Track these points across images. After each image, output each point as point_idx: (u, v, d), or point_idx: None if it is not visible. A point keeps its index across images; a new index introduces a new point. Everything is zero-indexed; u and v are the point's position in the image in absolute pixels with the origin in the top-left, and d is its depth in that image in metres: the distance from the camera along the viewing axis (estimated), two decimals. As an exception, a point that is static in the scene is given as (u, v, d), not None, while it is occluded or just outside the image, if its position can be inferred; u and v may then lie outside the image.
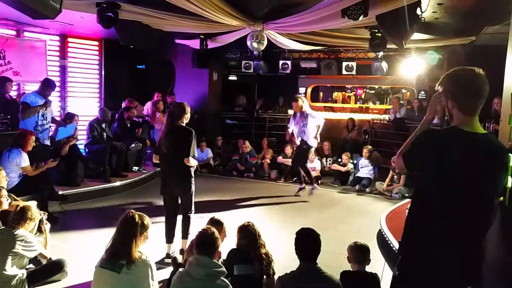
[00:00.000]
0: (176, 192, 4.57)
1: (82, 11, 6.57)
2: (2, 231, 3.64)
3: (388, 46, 7.49)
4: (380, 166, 8.71)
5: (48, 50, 8.72)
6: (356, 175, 8.68)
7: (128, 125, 8.57)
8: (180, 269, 2.92)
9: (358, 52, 10.33)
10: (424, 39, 7.74)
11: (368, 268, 3.30)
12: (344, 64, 10.21)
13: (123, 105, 9.05)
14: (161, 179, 4.70)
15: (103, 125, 7.90)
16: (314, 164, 8.94)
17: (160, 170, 4.89)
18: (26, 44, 8.36)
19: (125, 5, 6.31)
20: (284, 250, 4.15)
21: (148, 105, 9.72)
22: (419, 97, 11.31)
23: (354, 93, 16.22)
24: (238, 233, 3.56)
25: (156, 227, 3.18)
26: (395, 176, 7.95)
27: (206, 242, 2.89)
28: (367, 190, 8.23)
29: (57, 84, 7.97)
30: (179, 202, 4.61)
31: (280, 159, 9.28)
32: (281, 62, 10.56)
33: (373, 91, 16.66)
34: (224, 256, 3.52)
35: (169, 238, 4.56)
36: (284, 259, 3.83)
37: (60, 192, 6.21)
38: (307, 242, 3.02)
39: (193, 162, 4.43)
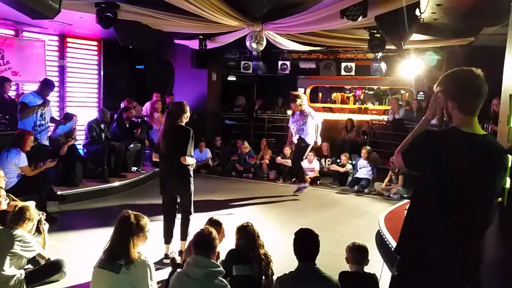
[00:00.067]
0: (175, 191, 4.57)
1: (81, 11, 6.56)
2: (0, 231, 3.63)
3: (387, 47, 7.50)
4: (378, 167, 8.72)
5: (47, 50, 8.69)
6: (355, 175, 8.68)
7: (127, 125, 8.56)
8: (178, 270, 2.92)
9: (357, 52, 10.34)
10: (423, 40, 7.75)
11: (366, 269, 3.30)
12: (343, 64, 10.24)
13: (122, 105, 9.04)
14: (160, 179, 4.69)
15: (102, 126, 7.89)
16: (313, 165, 8.96)
17: (159, 170, 4.89)
18: (25, 44, 8.35)
19: (124, 5, 6.31)
20: (282, 251, 4.15)
21: (147, 105, 9.71)
22: (418, 98, 11.34)
23: (353, 93, 16.25)
24: (237, 234, 3.56)
25: (154, 227, 3.17)
26: (393, 177, 7.97)
27: (203, 242, 2.90)
28: (366, 190, 8.23)
29: (56, 84, 7.96)
30: (178, 202, 4.61)
31: (279, 159, 9.29)
32: (280, 62, 10.57)
33: (372, 92, 16.70)
34: (223, 256, 3.52)
35: (168, 238, 4.55)
36: (282, 260, 3.83)
37: (59, 192, 6.20)
38: (306, 243, 3.02)
39: (190, 161, 4.40)
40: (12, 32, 8.32)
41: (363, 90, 16.45)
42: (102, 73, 10.23)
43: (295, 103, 7.19)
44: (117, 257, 2.74)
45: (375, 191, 8.16)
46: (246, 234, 3.50)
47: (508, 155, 2.13)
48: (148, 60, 11.42)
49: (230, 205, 7.02)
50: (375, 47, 7.47)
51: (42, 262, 3.88)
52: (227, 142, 10.97)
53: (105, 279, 2.74)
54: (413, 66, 9.46)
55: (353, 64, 10.17)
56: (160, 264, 4.30)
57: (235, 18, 6.65)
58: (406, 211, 2.23)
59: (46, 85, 6.57)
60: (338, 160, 9.16)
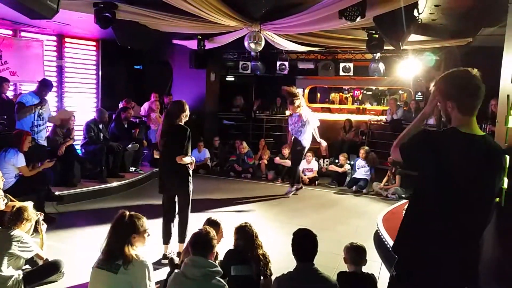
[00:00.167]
0: (173, 191, 4.56)
1: (79, 11, 6.55)
2: (-2, 231, 3.62)
3: (385, 48, 7.51)
4: (376, 167, 8.73)
5: (45, 50, 8.68)
6: (353, 176, 8.69)
7: (125, 125, 8.56)
8: (176, 270, 2.91)
9: (355, 53, 10.36)
10: (421, 40, 7.76)
11: (365, 269, 3.31)
12: (342, 65, 10.25)
13: (120, 105, 9.03)
14: (159, 179, 4.68)
15: (100, 126, 7.88)
16: (312, 165, 8.96)
17: (157, 171, 4.89)
18: (23, 44, 8.32)
19: (123, 5, 6.30)
20: (281, 251, 4.15)
21: (146, 105, 9.71)
22: (416, 98, 11.35)
23: (351, 94, 16.24)
24: (235, 234, 3.55)
25: (153, 228, 3.17)
26: (391, 177, 7.98)
27: (201, 242, 2.90)
28: (364, 191, 8.24)
29: (54, 84, 7.95)
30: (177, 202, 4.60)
31: (277, 159, 9.29)
32: (278, 63, 10.57)
33: (370, 92, 16.71)
34: (221, 256, 3.52)
35: (166, 239, 4.55)
36: (281, 260, 3.83)
37: (57, 193, 6.20)
38: (304, 243, 3.02)
39: (187, 160, 4.39)
40: (10, 32, 8.30)
41: (361, 91, 16.46)
42: (100, 73, 10.20)
43: (294, 105, 7.20)
44: (115, 257, 2.73)
45: (373, 191, 8.17)
46: (245, 234, 3.50)
47: (506, 155, 2.13)
48: (146, 60, 11.41)
49: (228, 205, 7.02)
50: (373, 47, 7.48)
51: (40, 262, 3.88)
52: (226, 142, 10.96)
53: (103, 280, 2.73)
54: (411, 66, 9.47)
55: (351, 65, 10.19)
56: (158, 265, 4.29)
57: (234, 19, 6.65)
58: (404, 211, 2.24)
59: (44, 86, 6.57)
60: (337, 161, 9.17)
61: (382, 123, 10.92)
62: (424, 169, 2.01)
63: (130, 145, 8.25)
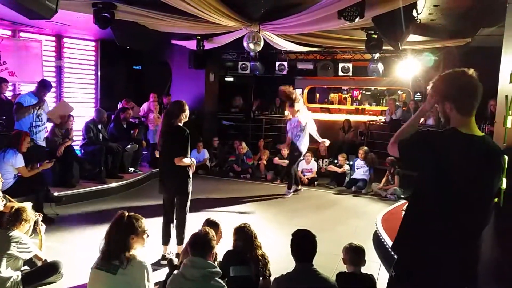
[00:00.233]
0: (172, 191, 4.55)
1: (78, 11, 6.55)
2: (-4, 232, 3.62)
3: (384, 48, 7.51)
4: (375, 167, 8.72)
5: (44, 50, 8.68)
6: (352, 176, 8.69)
7: (124, 126, 8.55)
8: (175, 271, 2.91)
9: (354, 53, 10.36)
10: (420, 40, 7.77)
11: (364, 269, 3.31)
12: (341, 65, 10.26)
13: (120, 106, 9.03)
14: (159, 179, 4.68)
15: (99, 126, 7.86)
16: (311, 165, 8.96)
17: (156, 171, 4.88)
18: (21, 45, 8.32)
19: (121, 5, 6.30)
20: (280, 252, 4.15)
21: (145, 106, 9.70)
22: (415, 98, 11.34)
23: (350, 94, 16.27)
24: (234, 235, 3.55)
25: (152, 228, 3.16)
26: (390, 177, 7.99)
27: (200, 243, 2.89)
28: (363, 191, 8.24)
29: (53, 84, 7.94)
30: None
31: (276, 160, 9.28)
32: (277, 63, 10.57)
33: (369, 93, 16.74)
34: (220, 257, 3.52)
35: (166, 239, 4.54)
36: (280, 261, 3.82)
37: (56, 194, 6.19)
38: (303, 244, 3.03)
39: (186, 161, 4.37)
40: (9, 33, 8.31)
41: (361, 91, 16.48)
42: (99, 73, 10.21)
43: (293, 108, 7.21)
44: (114, 258, 2.73)
45: (372, 191, 8.17)
46: (244, 235, 3.50)
47: (505, 156, 2.14)
48: (145, 61, 11.40)
49: (227, 205, 7.01)
50: (372, 48, 7.48)
51: (39, 263, 3.87)
52: (225, 142, 10.95)
53: (102, 280, 2.73)
54: (410, 66, 9.47)
55: (350, 65, 10.19)
56: (157, 265, 4.29)
57: (233, 19, 6.65)
58: (403, 212, 2.24)
59: (43, 86, 6.56)
60: (336, 161, 9.16)
61: (381, 123, 10.92)
62: (423, 169, 2.01)
63: (129, 146, 8.24)
